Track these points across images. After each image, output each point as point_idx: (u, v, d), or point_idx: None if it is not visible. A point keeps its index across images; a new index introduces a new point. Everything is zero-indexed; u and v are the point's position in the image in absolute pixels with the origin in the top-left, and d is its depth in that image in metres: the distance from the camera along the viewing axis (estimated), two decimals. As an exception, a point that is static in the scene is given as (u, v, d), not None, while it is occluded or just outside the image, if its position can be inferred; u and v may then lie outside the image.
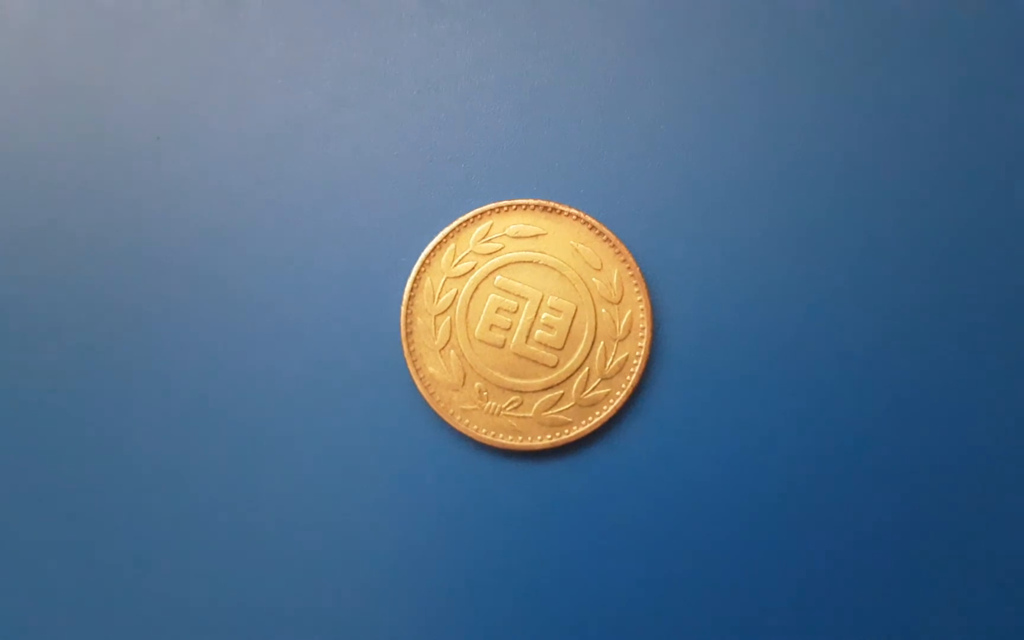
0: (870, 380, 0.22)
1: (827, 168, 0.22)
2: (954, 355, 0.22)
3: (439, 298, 0.22)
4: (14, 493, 0.22)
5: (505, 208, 0.22)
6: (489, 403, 0.21)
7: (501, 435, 0.21)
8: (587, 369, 0.22)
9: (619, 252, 0.22)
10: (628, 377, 0.22)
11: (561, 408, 0.22)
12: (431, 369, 0.22)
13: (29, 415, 0.22)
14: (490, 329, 0.22)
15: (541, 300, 0.22)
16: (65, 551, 0.22)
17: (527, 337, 0.22)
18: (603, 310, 0.22)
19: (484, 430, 0.22)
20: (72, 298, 0.22)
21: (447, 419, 0.22)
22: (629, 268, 0.22)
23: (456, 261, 0.22)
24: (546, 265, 0.22)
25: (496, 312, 0.22)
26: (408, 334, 0.22)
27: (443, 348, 0.22)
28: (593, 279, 0.22)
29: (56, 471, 0.22)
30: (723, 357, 0.22)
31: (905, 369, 0.22)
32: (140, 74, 0.23)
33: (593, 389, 0.22)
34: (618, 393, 0.22)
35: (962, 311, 0.22)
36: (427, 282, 0.22)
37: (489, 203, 0.22)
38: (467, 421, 0.22)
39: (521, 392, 0.21)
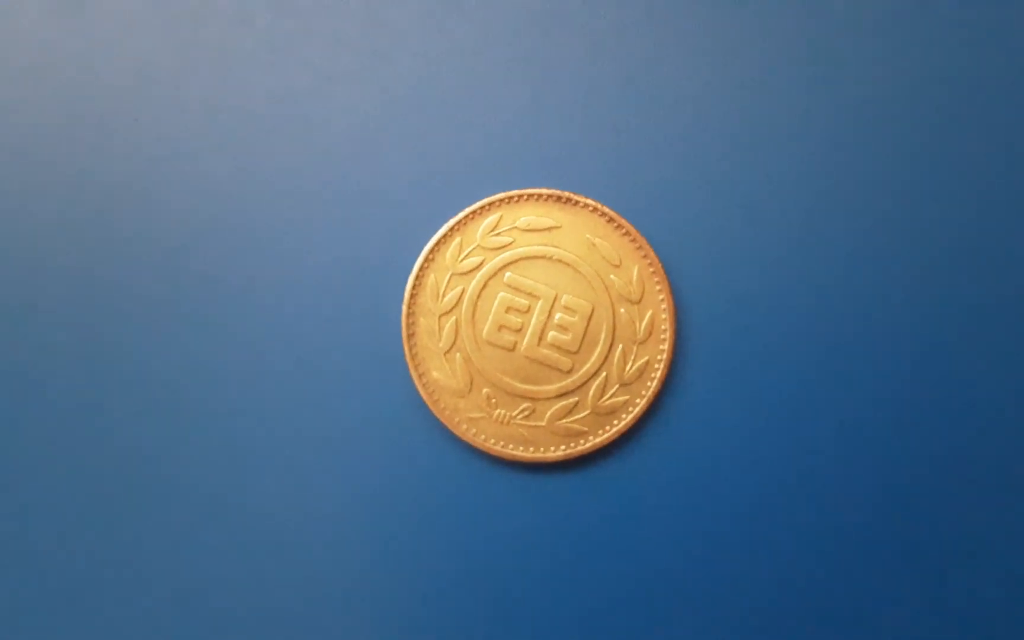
0: (916, 388, 0.21)
1: (864, 157, 0.22)
2: (995, 356, 0.21)
3: (444, 297, 0.21)
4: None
5: (516, 198, 0.21)
6: (498, 411, 0.21)
7: (511, 445, 0.21)
8: (604, 374, 0.21)
9: (639, 247, 0.21)
10: (649, 383, 0.21)
11: (576, 417, 0.21)
12: (435, 374, 0.21)
13: (12, 408, 0.22)
14: (499, 330, 0.21)
15: (555, 299, 0.21)
16: (62, 545, 0.22)
17: (539, 339, 0.21)
18: (622, 310, 0.21)
19: (493, 440, 0.21)
20: (58, 292, 0.22)
21: (452, 428, 0.21)
22: (650, 264, 0.21)
23: (462, 256, 0.21)
24: (560, 261, 0.21)
25: (506, 312, 0.21)
26: (410, 336, 0.21)
27: (448, 351, 0.21)
28: (611, 276, 0.21)
29: (49, 465, 0.22)
30: (752, 362, 0.21)
31: (949, 373, 0.21)
32: (115, 48, 0.22)
33: (611, 396, 0.21)
34: (638, 401, 0.21)
35: (999, 311, 0.21)
36: (430, 279, 0.21)
37: (498, 193, 0.21)
38: (474, 430, 0.21)
39: (533, 399, 0.21)
